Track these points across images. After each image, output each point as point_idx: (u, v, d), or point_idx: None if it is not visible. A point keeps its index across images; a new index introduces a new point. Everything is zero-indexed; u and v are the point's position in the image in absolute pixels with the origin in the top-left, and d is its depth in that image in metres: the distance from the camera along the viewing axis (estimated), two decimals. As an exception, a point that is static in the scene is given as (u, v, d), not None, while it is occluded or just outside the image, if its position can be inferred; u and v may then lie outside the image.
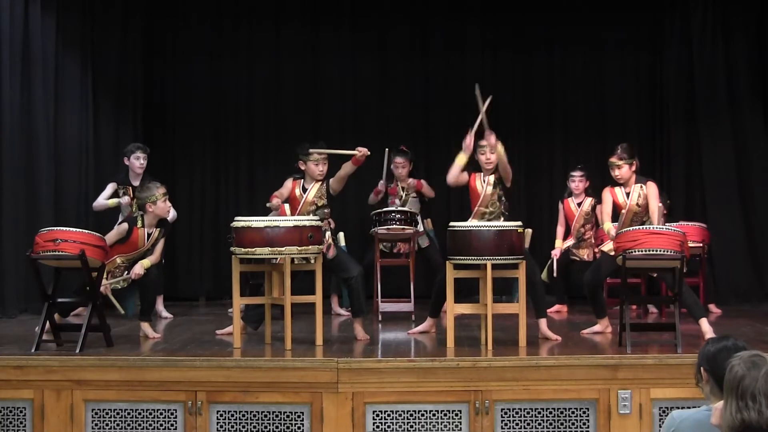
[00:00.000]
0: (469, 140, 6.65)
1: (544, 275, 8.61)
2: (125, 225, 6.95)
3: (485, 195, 6.81)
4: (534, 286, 6.65)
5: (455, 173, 6.75)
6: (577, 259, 8.64)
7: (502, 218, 6.77)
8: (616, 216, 7.13)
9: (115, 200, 8.22)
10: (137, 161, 8.27)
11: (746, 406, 2.72)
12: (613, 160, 6.98)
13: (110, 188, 8.29)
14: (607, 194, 7.07)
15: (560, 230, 8.82)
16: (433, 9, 10.27)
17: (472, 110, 6.79)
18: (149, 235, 6.93)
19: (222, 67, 10.27)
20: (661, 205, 7.23)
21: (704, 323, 6.54)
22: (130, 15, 9.68)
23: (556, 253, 8.72)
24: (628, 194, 6.99)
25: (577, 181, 8.71)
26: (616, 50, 10.19)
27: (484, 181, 6.83)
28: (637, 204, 6.96)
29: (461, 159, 6.71)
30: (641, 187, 6.98)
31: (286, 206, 7.04)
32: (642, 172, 7.18)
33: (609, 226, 6.87)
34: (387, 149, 8.42)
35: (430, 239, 8.73)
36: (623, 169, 6.95)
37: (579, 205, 8.72)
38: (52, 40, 8.66)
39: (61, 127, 8.78)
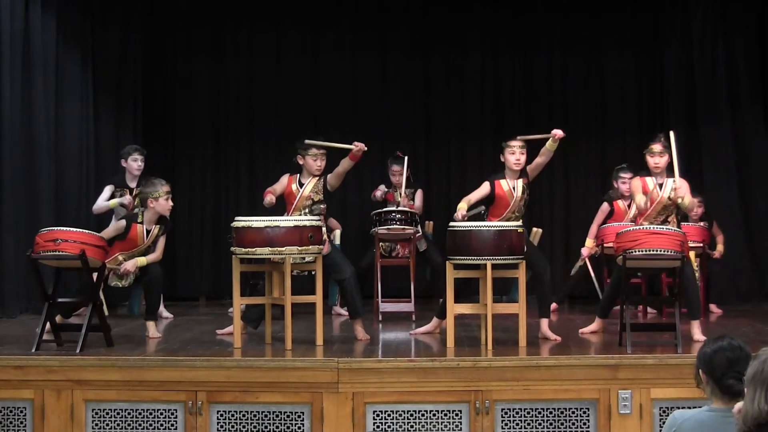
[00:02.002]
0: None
1: (573, 272, 8.58)
2: (123, 222, 6.94)
3: (516, 200, 6.72)
4: (543, 284, 6.58)
5: None
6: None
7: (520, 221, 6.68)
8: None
9: (116, 201, 8.19)
10: (135, 163, 8.26)
11: None
12: (656, 147, 6.82)
13: (108, 190, 8.28)
14: (637, 182, 6.89)
15: (593, 229, 8.52)
16: (433, 9, 10.26)
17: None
18: (148, 231, 6.91)
19: (222, 67, 10.26)
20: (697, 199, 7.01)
21: (695, 326, 6.49)
22: (130, 15, 9.67)
23: (585, 252, 8.59)
24: (660, 186, 6.84)
25: (628, 183, 8.19)
26: (616, 50, 10.18)
27: (513, 188, 6.75)
28: (669, 198, 6.80)
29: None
30: (674, 181, 6.78)
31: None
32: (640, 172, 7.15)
33: (641, 197, 6.71)
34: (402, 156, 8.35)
35: (429, 242, 8.72)
36: (665, 158, 6.80)
37: (629, 206, 8.38)
38: (52, 40, 8.66)
39: (61, 127, 8.77)
